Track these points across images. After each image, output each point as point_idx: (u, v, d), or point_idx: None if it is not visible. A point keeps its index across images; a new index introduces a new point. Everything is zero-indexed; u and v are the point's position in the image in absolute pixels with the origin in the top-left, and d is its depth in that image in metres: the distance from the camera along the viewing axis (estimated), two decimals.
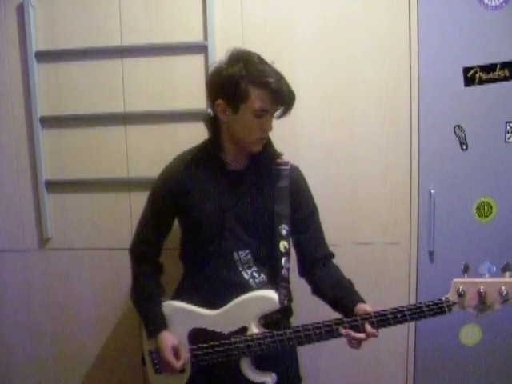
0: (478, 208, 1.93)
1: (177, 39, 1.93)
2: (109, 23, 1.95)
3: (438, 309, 1.31)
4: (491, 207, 1.92)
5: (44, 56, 1.98)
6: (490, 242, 1.92)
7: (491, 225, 1.93)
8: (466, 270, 1.31)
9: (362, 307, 1.39)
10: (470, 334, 1.96)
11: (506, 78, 1.85)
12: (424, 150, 1.91)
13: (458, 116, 1.89)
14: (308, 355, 1.88)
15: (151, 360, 1.54)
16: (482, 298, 1.28)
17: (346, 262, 1.96)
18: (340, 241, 1.96)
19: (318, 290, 1.52)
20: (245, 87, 1.35)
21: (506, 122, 1.88)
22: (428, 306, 1.32)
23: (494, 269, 1.31)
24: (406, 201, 1.93)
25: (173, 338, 1.48)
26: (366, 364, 2.00)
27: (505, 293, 1.26)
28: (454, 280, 1.31)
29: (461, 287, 1.29)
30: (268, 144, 1.52)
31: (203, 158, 1.50)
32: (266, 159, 1.50)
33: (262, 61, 1.41)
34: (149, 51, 1.94)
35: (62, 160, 2.04)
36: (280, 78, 1.38)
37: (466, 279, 1.31)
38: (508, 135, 1.89)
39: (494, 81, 1.86)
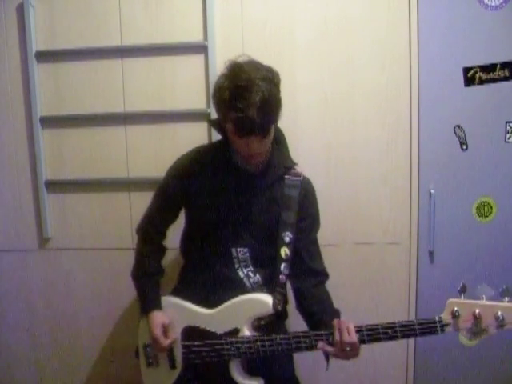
0: (478, 208, 1.93)
1: (177, 39, 1.93)
2: (109, 23, 1.95)
3: (431, 328, 1.28)
4: (491, 207, 1.92)
5: (44, 56, 1.98)
6: (490, 241, 1.93)
7: (491, 225, 1.93)
8: (463, 290, 1.27)
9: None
10: None
11: (506, 78, 1.85)
12: (424, 150, 1.91)
13: (458, 116, 1.89)
14: (307, 355, 1.87)
15: (145, 353, 1.56)
16: (476, 320, 1.24)
17: (346, 262, 1.97)
18: (340, 241, 1.96)
19: (307, 308, 1.52)
20: (221, 111, 1.35)
21: (506, 122, 1.88)
22: (420, 324, 1.29)
23: (493, 293, 1.25)
24: (406, 201, 1.93)
25: (164, 317, 1.49)
26: (365, 364, 1.99)
27: (501, 318, 1.21)
28: (450, 300, 1.27)
29: (456, 308, 1.25)
30: (284, 152, 1.54)
31: (216, 156, 1.52)
32: (279, 167, 1.51)
33: (247, 82, 1.30)
34: (149, 51, 1.94)
35: (62, 160, 2.04)
36: (252, 108, 1.27)
37: (461, 300, 1.26)
38: (508, 135, 1.89)
39: (494, 81, 1.86)
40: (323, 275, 1.57)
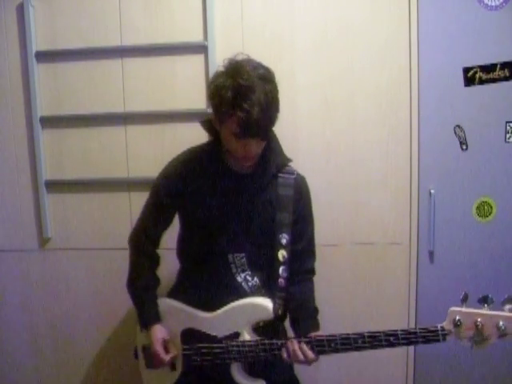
0: (478, 208, 1.93)
1: (177, 39, 1.93)
2: (109, 23, 1.95)
3: (432, 336, 1.28)
4: (491, 207, 1.92)
5: (44, 56, 1.98)
6: (490, 241, 1.93)
7: (491, 225, 1.93)
8: (465, 299, 1.27)
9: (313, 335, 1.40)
10: None
11: (506, 78, 1.85)
12: (424, 150, 1.91)
13: (458, 116, 1.89)
14: None
15: (144, 355, 1.56)
16: (478, 330, 1.24)
17: (346, 261, 1.97)
18: (340, 241, 1.96)
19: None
20: (221, 110, 1.30)
21: (506, 122, 1.88)
22: (422, 333, 1.29)
23: (494, 300, 1.25)
24: (406, 201, 1.93)
25: (164, 332, 1.49)
26: (365, 364, 2.00)
27: (502, 328, 1.21)
28: (451, 309, 1.27)
29: (457, 317, 1.25)
30: (276, 150, 1.50)
31: (207, 159, 1.49)
32: (272, 165, 1.48)
33: (248, 81, 1.27)
34: (149, 51, 1.94)
35: (62, 160, 2.04)
36: (257, 108, 1.25)
37: (463, 309, 1.26)
38: (508, 135, 1.89)
39: (494, 81, 1.86)
40: (310, 273, 1.57)
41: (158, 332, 1.48)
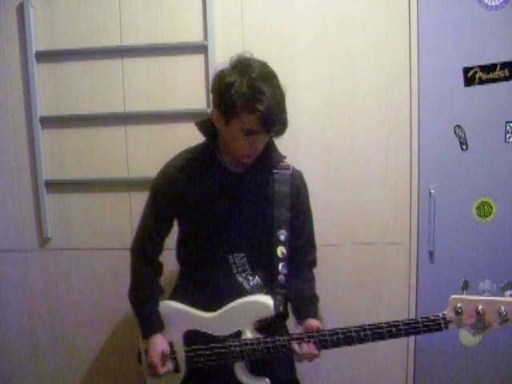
0: (478, 208, 1.93)
1: (177, 39, 1.93)
2: (109, 23, 1.95)
3: (435, 325, 1.28)
4: (491, 207, 1.92)
5: (44, 56, 1.98)
6: (490, 241, 1.93)
7: (491, 225, 1.93)
8: (465, 286, 1.27)
9: (309, 323, 1.39)
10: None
11: (506, 78, 1.85)
12: (424, 149, 1.91)
13: (458, 116, 1.89)
14: None
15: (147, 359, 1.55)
16: (479, 316, 1.23)
17: (346, 261, 1.97)
18: (340, 241, 1.96)
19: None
20: (235, 105, 1.30)
21: (506, 122, 1.88)
22: (424, 322, 1.29)
23: (494, 286, 1.26)
24: (406, 201, 1.94)
25: (163, 344, 1.48)
26: (365, 364, 2.00)
27: (504, 313, 1.21)
28: (452, 296, 1.27)
29: (458, 304, 1.25)
30: (271, 147, 1.49)
31: (203, 159, 1.49)
32: (267, 163, 1.48)
33: (261, 76, 1.31)
34: (149, 51, 1.94)
35: (62, 160, 2.04)
36: (273, 102, 1.30)
37: (464, 296, 1.26)
38: (508, 135, 1.89)
39: (494, 81, 1.86)
40: (311, 265, 1.57)
41: (158, 344, 1.48)
